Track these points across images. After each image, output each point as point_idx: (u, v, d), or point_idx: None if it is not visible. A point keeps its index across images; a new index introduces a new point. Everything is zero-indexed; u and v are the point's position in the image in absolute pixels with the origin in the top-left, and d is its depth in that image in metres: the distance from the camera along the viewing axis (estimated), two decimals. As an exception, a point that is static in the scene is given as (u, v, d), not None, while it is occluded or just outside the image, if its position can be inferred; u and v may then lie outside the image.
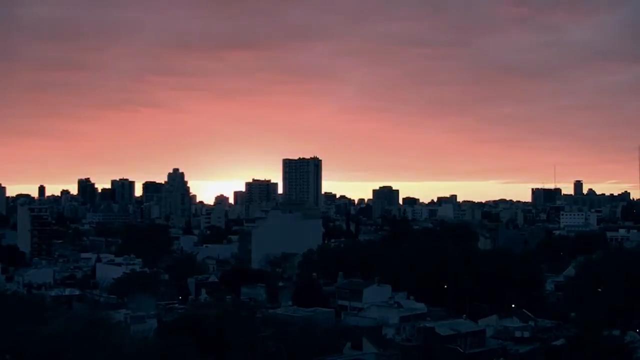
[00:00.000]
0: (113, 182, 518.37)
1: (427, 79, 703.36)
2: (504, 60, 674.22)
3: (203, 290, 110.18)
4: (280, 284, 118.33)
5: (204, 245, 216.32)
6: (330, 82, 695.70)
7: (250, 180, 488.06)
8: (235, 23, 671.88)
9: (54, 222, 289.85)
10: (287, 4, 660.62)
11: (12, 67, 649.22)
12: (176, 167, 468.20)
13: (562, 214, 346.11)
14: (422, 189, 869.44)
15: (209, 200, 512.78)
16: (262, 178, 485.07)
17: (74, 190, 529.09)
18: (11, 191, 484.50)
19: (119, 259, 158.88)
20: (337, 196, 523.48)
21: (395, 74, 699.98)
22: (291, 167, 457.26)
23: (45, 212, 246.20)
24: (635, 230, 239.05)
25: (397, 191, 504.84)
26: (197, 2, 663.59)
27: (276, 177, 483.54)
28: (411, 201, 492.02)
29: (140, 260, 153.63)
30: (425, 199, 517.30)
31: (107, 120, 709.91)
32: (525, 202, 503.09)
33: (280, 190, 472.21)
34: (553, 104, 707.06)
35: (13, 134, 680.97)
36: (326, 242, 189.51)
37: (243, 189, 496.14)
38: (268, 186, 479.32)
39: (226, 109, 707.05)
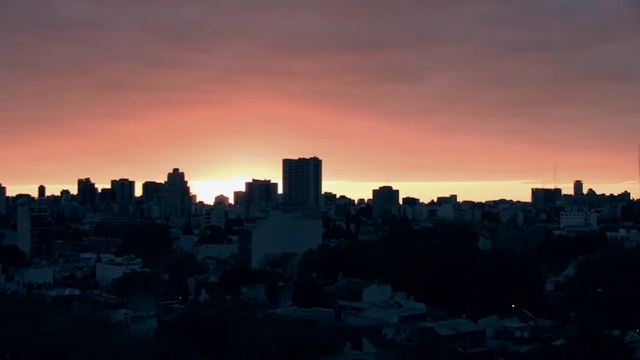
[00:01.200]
0: (113, 182, 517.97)
1: (503, 82, 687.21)
2: (597, 64, 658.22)
3: (203, 290, 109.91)
4: (280, 284, 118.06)
5: (204, 245, 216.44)
6: (407, 84, 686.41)
7: (250, 180, 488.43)
8: (351, 25, 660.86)
9: (54, 222, 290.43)
10: (415, 8, 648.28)
11: (104, 68, 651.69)
12: (176, 167, 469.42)
13: (562, 214, 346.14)
14: (422, 189, 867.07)
15: (209, 200, 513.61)
16: (262, 178, 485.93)
17: (74, 190, 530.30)
18: (11, 191, 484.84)
19: (119, 259, 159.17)
20: (337, 196, 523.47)
21: (476, 77, 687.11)
22: (291, 167, 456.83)
23: (45, 212, 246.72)
24: (635, 230, 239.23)
25: (397, 191, 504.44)
26: (324, 2, 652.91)
27: (276, 177, 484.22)
28: (411, 201, 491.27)
29: (140, 260, 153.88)
30: (425, 199, 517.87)
31: (146, 119, 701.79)
32: (525, 202, 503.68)
33: (280, 190, 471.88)
34: (610, 107, 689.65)
35: (53, 134, 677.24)
36: (326, 242, 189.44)
37: (243, 189, 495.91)
38: (268, 186, 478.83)
39: (260, 111, 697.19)
